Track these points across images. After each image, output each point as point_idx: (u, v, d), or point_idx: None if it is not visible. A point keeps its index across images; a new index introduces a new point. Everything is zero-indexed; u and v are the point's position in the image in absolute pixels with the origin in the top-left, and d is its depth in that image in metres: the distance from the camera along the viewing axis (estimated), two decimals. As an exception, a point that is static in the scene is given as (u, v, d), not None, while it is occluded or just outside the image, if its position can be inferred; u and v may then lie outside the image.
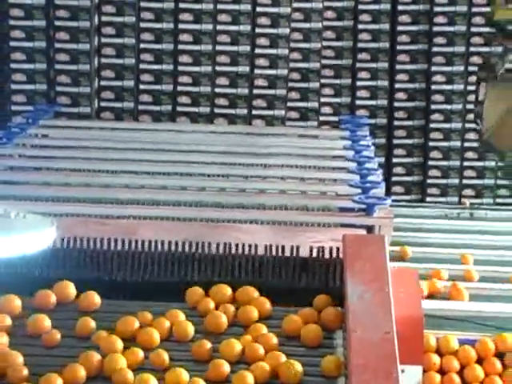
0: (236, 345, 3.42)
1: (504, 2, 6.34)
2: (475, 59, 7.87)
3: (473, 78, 7.74)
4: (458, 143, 8.02)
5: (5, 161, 5.29)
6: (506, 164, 7.76)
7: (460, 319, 5.28)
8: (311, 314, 3.75)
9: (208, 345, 3.44)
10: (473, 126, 7.83)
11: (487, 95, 5.48)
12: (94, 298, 3.78)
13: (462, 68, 7.94)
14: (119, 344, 3.43)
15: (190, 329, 3.62)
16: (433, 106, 8.01)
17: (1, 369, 3.22)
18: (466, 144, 8.02)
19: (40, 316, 3.60)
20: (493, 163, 7.74)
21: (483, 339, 5.01)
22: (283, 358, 3.35)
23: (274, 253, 4.02)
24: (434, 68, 7.97)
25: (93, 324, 3.58)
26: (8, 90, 7.80)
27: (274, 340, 3.51)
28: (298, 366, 3.27)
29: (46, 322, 3.58)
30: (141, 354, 3.37)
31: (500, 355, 4.96)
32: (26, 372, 3.18)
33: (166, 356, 3.36)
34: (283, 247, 4.04)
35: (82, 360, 3.29)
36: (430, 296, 5.45)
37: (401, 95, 8.02)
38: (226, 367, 3.28)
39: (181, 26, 7.75)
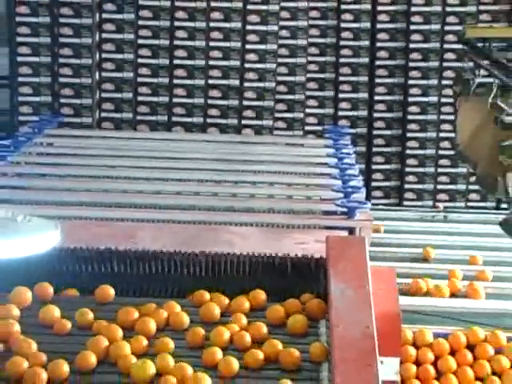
0: (225, 332, 3.48)
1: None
2: (448, 73, 7.89)
3: (446, 91, 7.78)
4: (433, 151, 8.04)
5: (12, 168, 5.27)
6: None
7: (434, 314, 5.29)
8: (295, 305, 3.78)
9: (202, 332, 3.50)
10: (446, 135, 7.87)
11: (461, 109, 5.49)
12: (110, 291, 3.84)
13: (436, 82, 7.96)
14: (120, 332, 3.49)
15: (186, 319, 3.66)
16: (409, 117, 8.02)
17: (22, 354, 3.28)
18: (440, 152, 8.04)
19: (51, 306, 3.66)
20: (465, 170, 7.75)
21: (456, 333, 5.02)
22: (280, 345, 3.41)
23: (262, 253, 4.03)
24: (410, 81, 7.98)
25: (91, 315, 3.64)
26: (15, 102, 7.80)
27: (264, 329, 3.56)
28: (296, 352, 3.35)
29: (56, 312, 3.63)
30: (144, 341, 3.43)
31: (471, 347, 4.98)
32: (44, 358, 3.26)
33: (172, 344, 3.42)
34: (271, 248, 4.05)
35: (90, 347, 3.36)
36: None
37: (380, 106, 8.03)
38: (219, 354, 3.33)
39: (176, 42, 7.76)
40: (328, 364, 3.38)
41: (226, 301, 3.79)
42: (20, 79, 7.79)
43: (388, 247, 6.22)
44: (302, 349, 3.42)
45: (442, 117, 7.94)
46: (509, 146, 3.95)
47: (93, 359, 3.27)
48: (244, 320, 3.65)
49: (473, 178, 7.33)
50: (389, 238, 6.41)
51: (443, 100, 7.79)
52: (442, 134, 7.98)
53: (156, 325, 3.59)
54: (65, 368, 3.22)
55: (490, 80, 5.60)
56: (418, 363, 4.95)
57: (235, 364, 3.26)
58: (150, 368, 3.23)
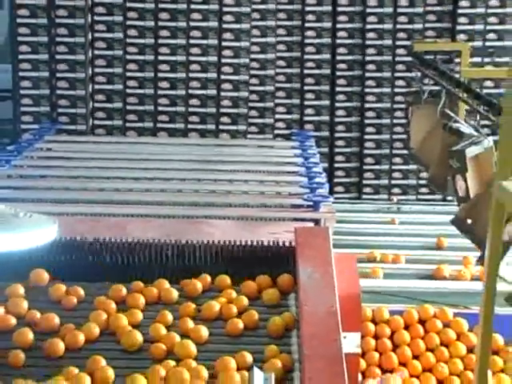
0: (216, 305, 3.56)
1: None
2: (400, 82, 7.91)
3: (398, 98, 7.80)
4: (388, 151, 8.04)
5: (16, 170, 5.25)
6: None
7: (390, 294, 5.31)
8: (265, 280, 3.80)
9: (192, 306, 3.57)
10: (399, 136, 7.89)
11: (414, 117, 5.50)
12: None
13: (389, 90, 7.96)
14: (113, 305, 3.56)
15: (175, 294, 3.71)
16: (366, 121, 8.02)
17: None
18: (394, 151, 8.04)
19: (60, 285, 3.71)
20: (415, 167, 7.77)
21: (409, 310, 5.05)
22: (256, 315, 3.49)
23: (238, 243, 4.03)
24: (366, 90, 7.98)
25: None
26: (18, 112, 7.77)
27: (245, 301, 3.62)
28: (280, 320, 3.44)
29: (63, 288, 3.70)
30: (140, 314, 3.50)
31: (422, 322, 5.01)
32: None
33: (170, 317, 3.48)
34: (246, 237, 4.05)
35: (92, 319, 3.44)
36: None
37: (340, 112, 8.03)
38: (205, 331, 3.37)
39: (160, 57, 7.73)
40: (296, 331, 3.42)
41: (209, 278, 3.83)
42: (22, 92, 7.73)
43: (348, 236, 6.25)
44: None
45: (394, 121, 7.95)
46: (457, 151, 3.93)
47: (96, 330, 3.37)
48: (234, 294, 3.70)
49: (422, 174, 7.36)
50: (348, 228, 6.43)
51: (395, 106, 7.80)
52: (394, 136, 7.99)
53: (146, 299, 3.65)
54: (80, 337, 3.32)
55: (438, 88, 5.63)
56: (376, 337, 4.99)
57: (204, 331, 3.36)
58: (138, 336, 3.32)
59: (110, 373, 3.09)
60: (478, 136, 4.07)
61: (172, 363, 3.16)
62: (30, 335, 3.32)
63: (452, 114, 4.71)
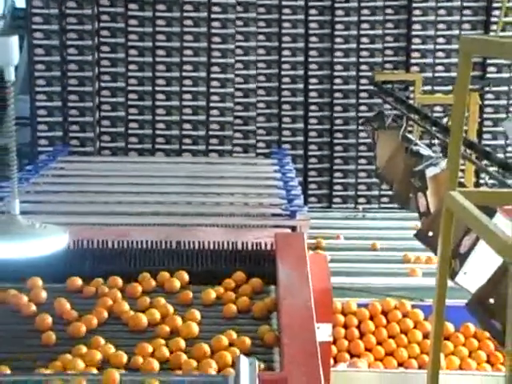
0: (212, 293, 3.63)
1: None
2: (363, 108, 7.94)
3: (362, 120, 7.80)
4: (354, 166, 8.06)
5: (33, 187, 5.22)
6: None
7: (357, 289, 5.31)
8: (239, 276, 3.81)
9: (191, 294, 3.62)
10: (363, 154, 7.91)
11: (379, 140, 5.45)
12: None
13: (354, 114, 7.99)
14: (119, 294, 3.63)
15: (177, 283, 3.74)
16: (335, 141, 8.05)
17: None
18: (359, 167, 8.07)
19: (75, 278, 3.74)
20: (378, 180, 7.79)
21: (373, 303, 5.04)
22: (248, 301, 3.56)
23: (225, 247, 4.01)
24: (335, 114, 8.01)
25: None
26: (35, 137, 7.75)
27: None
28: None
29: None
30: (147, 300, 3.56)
31: (385, 313, 5.01)
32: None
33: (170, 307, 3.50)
34: (233, 243, 4.04)
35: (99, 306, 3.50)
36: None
37: (313, 133, 8.05)
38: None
39: (156, 88, 7.74)
40: (276, 313, 3.45)
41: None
42: (38, 119, 7.72)
43: (321, 239, 6.25)
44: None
45: (359, 140, 7.97)
46: (418, 171, 3.90)
47: (105, 314, 3.42)
48: (233, 284, 3.75)
49: (384, 186, 7.36)
50: (321, 233, 6.42)
51: (360, 128, 7.82)
52: (360, 154, 8.02)
53: (145, 288, 3.71)
54: (94, 321, 3.39)
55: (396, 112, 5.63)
56: (345, 327, 4.98)
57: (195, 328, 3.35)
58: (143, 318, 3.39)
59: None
60: (436, 157, 4.04)
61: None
62: (49, 319, 3.38)
63: (412, 138, 4.65)
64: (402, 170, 4.36)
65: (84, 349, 3.16)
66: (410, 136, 4.78)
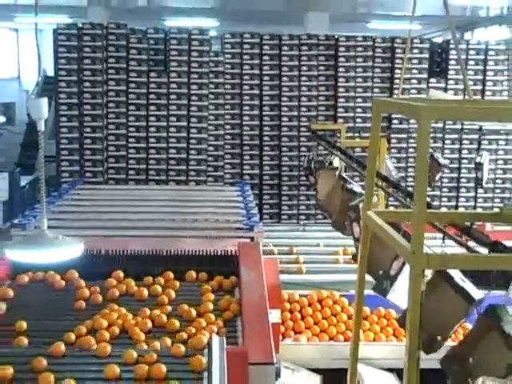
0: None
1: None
2: (303, 149, 7.96)
3: (301, 159, 7.81)
4: (296, 192, 8.09)
5: (58, 208, 5.18)
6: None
7: (299, 283, 5.31)
8: (219, 279, 3.84)
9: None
10: (304, 183, 7.89)
11: (320, 178, 5.19)
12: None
13: (296, 153, 8.02)
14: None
15: (177, 283, 3.78)
16: (283, 173, 8.06)
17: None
18: (300, 193, 8.08)
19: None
20: (313, 202, 7.83)
21: (311, 293, 5.03)
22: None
23: (202, 253, 4.01)
24: (282, 153, 8.02)
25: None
26: (59, 171, 7.71)
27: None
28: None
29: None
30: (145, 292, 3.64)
31: (320, 301, 5.00)
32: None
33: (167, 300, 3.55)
34: (207, 250, 4.04)
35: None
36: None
37: (266, 168, 8.07)
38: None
39: (150, 134, 7.71)
40: (239, 299, 3.49)
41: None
42: (61, 157, 7.67)
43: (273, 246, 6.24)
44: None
45: (301, 173, 7.97)
46: (353, 205, 3.65)
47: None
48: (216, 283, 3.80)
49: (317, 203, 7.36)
50: (272, 242, 6.41)
51: (301, 164, 7.85)
52: (301, 183, 8.01)
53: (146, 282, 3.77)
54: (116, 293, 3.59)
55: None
56: (290, 311, 4.95)
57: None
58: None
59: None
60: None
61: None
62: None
63: (347, 178, 4.43)
64: (339, 203, 4.13)
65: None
66: (345, 176, 4.55)
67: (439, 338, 1.98)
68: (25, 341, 3.04)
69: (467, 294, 2.00)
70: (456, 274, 2.03)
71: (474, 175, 7.76)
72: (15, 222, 4.49)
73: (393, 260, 2.43)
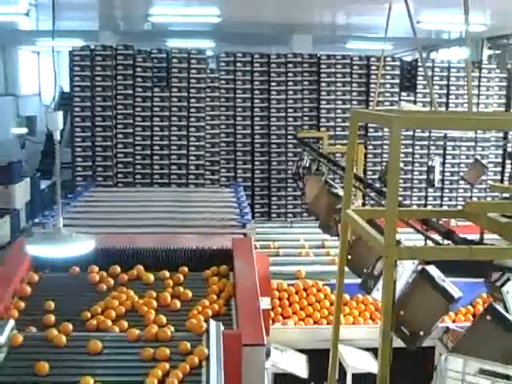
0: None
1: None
2: (290, 155, 7.97)
3: (289, 165, 7.81)
4: (284, 193, 8.09)
5: (73, 208, 5.14)
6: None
7: (286, 274, 5.27)
8: (214, 269, 3.81)
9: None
10: (291, 185, 7.90)
11: (307, 183, 5.11)
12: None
13: (284, 158, 8.01)
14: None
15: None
16: (272, 176, 8.06)
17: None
18: (288, 193, 8.08)
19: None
20: (300, 201, 7.81)
21: (297, 282, 5.00)
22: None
23: (200, 248, 3.99)
24: (272, 158, 8.03)
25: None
26: (74, 175, 7.67)
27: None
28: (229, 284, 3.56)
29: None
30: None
31: (305, 289, 4.94)
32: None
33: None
34: (204, 245, 4.02)
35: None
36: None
37: (257, 171, 8.06)
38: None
39: (154, 142, 7.70)
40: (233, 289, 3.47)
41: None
42: (76, 164, 7.66)
43: (263, 241, 6.19)
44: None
45: (288, 176, 7.91)
46: (338, 208, 3.50)
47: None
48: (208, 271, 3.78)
49: (305, 206, 7.36)
50: (264, 237, 6.38)
51: (289, 170, 7.82)
52: (289, 185, 7.98)
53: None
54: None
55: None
56: (279, 299, 4.93)
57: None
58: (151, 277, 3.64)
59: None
60: (352, 198, 3.87)
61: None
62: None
63: (332, 183, 4.31)
64: (325, 206, 4.02)
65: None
66: (330, 181, 4.45)
67: (421, 333, 1.97)
68: (52, 318, 3.17)
69: (447, 293, 1.99)
70: (436, 275, 2.01)
71: (425, 177, 7.76)
72: (36, 220, 4.51)
73: (377, 260, 2.40)
